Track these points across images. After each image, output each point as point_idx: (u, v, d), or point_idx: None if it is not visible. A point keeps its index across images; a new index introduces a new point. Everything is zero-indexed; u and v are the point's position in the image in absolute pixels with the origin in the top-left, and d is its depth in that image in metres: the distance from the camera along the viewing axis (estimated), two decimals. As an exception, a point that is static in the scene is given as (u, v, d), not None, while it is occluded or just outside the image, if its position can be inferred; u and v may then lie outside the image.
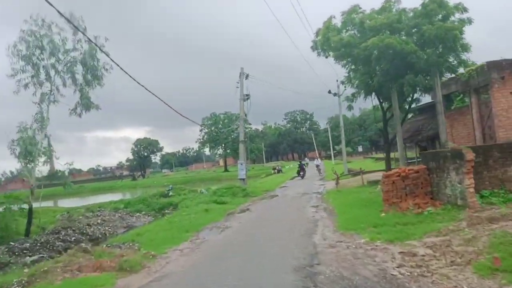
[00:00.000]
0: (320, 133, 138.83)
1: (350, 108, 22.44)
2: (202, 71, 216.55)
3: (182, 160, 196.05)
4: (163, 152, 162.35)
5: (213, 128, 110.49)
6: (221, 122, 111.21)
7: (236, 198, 23.32)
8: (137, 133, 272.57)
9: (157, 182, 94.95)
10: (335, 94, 31.81)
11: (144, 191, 39.94)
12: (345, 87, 21.01)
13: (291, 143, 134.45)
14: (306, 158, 78.24)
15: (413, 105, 22.14)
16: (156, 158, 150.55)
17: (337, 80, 31.01)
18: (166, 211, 25.08)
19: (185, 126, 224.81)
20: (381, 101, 21.73)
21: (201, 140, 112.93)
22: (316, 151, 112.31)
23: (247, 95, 26.92)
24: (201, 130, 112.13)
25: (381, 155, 75.55)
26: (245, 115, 27.24)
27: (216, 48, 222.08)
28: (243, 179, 26.97)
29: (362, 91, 21.62)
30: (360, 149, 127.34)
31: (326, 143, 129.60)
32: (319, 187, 25.82)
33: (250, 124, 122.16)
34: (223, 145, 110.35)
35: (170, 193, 27.88)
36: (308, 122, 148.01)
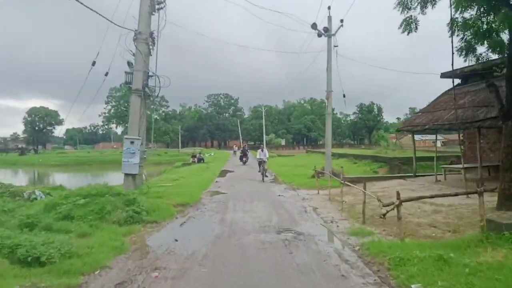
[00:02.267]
0: (245, 120, 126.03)
1: (409, 27, 8.93)
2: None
3: (89, 138, 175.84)
4: (68, 127, 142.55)
5: (121, 102, 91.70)
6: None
7: (103, 228, 8.72)
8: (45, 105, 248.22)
9: (44, 160, 75.29)
10: (324, 32, 17.85)
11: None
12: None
13: (212, 129, 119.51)
14: (234, 146, 65.03)
15: None
16: (56, 132, 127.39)
17: (328, 8, 17.33)
18: None
19: (101, 103, 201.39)
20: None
21: (107, 114, 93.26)
22: (241, 140, 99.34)
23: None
24: (107, 103, 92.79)
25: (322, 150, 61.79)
26: (151, 36, 12.36)
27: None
28: (133, 176, 12.23)
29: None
30: (283, 142, 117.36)
31: (251, 132, 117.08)
32: (298, 203, 12.10)
33: (167, 102, 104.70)
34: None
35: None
36: (232, 108, 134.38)
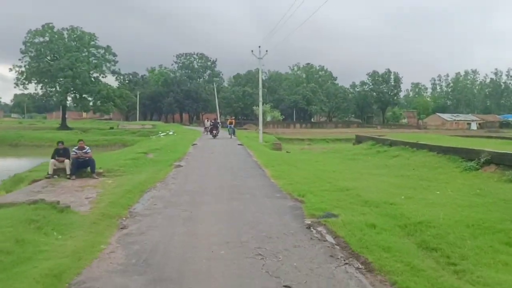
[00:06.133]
0: (224, 89, 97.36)
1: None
2: None
3: (42, 105, 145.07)
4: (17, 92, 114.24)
5: (45, 51, 61.40)
6: (63, 42, 62.62)
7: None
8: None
9: None
10: None
11: None
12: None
13: (181, 98, 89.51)
14: (206, 121, 38.01)
15: None
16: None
17: None
18: None
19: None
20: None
21: (22, 69, 62.37)
22: (218, 112, 71.56)
23: None
24: (24, 53, 61.81)
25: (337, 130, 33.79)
26: None
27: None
28: None
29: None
30: (268, 118, 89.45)
31: (232, 103, 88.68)
32: None
33: (114, 56, 73.61)
34: (60, 81, 61.91)
35: None
36: (209, 71, 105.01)
